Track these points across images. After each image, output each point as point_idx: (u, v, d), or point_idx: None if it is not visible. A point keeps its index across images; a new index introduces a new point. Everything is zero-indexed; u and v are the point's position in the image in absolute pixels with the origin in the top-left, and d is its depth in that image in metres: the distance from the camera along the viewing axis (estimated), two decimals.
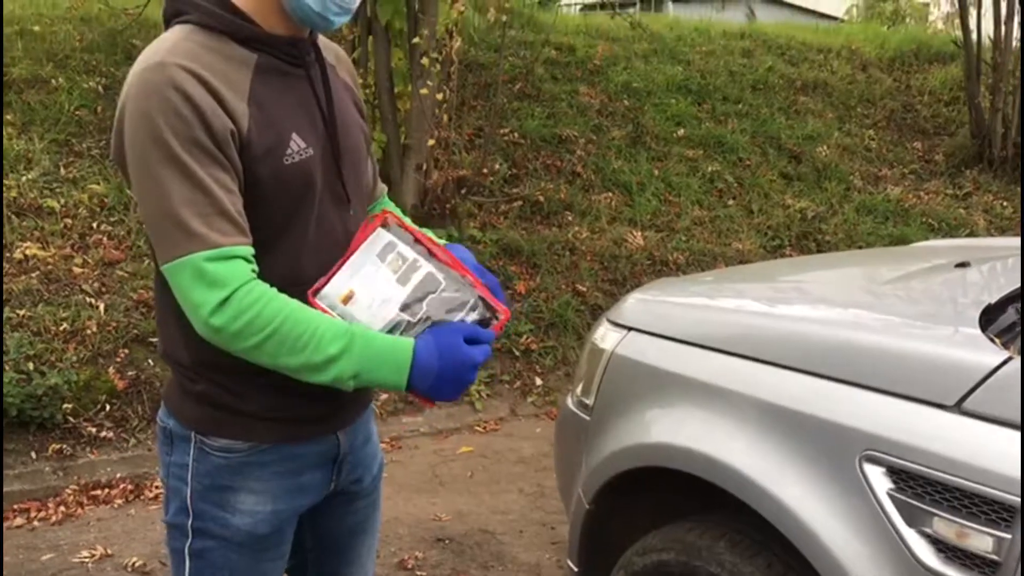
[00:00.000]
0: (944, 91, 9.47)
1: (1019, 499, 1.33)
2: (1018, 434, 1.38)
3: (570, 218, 6.54)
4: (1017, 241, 2.27)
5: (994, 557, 1.36)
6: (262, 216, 1.36)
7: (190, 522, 1.46)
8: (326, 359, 1.30)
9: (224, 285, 1.28)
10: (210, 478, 1.45)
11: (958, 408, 1.45)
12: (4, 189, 4.93)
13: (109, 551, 3.29)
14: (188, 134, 1.27)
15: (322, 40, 1.53)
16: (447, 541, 3.45)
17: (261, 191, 1.36)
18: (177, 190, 1.27)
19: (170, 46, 1.32)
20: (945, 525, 1.42)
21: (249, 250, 1.32)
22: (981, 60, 8.37)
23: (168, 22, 1.41)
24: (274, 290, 1.32)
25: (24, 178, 5.07)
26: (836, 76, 9.38)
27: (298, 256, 1.41)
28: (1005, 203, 7.92)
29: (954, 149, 8.56)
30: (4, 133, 5.29)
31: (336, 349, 1.30)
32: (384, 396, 4.71)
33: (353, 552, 1.69)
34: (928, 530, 1.44)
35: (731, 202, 7.25)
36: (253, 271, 1.32)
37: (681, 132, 7.79)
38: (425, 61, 5.66)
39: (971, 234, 7.27)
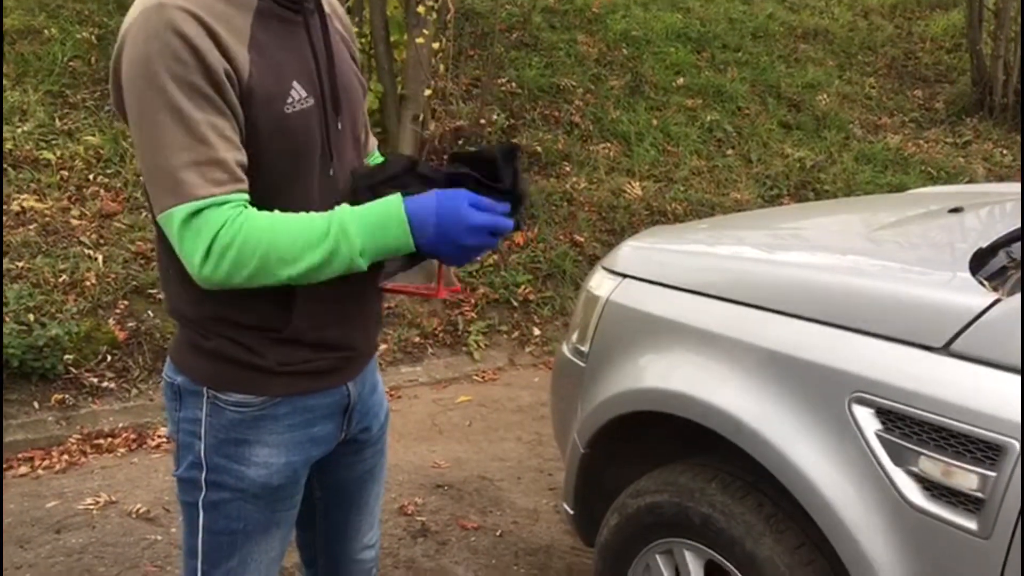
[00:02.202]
0: (946, 38, 9.38)
1: (1004, 438, 1.35)
2: (1005, 374, 1.40)
3: (568, 168, 6.52)
4: (1011, 187, 2.27)
5: (979, 494, 1.39)
6: (261, 172, 1.33)
7: (203, 476, 1.46)
8: (326, 254, 1.27)
9: (207, 233, 1.25)
10: (224, 432, 1.45)
11: (946, 350, 1.48)
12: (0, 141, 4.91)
13: (113, 498, 3.34)
14: (187, 79, 1.23)
15: None
16: (446, 487, 3.50)
17: (261, 144, 1.32)
18: (172, 138, 1.24)
19: None
20: (931, 464, 1.44)
21: (243, 197, 1.28)
22: (983, 6, 8.27)
23: None
24: (254, 213, 1.28)
25: (19, 130, 5.05)
26: (837, 23, 9.28)
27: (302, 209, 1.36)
28: (1005, 151, 7.89)
29: (955, 97, 8.50)
30: None
31: (330, 242, 1.27)
32: (384, 346, 4.74)
33: (362, 500, 1.71)
34: (915, 469, 1.47)
35: (730, 152, 7.22)
36: (238, 207, 1.27)
37: (680, 81, 7.73)
38: (421, 9, 5.60)
39: (970, 182, 7.25)
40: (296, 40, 1.40)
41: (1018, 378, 1.38)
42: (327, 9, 1.50)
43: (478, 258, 1.29)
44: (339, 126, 1.45)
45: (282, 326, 1.41)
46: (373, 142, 1.73)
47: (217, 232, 1.24)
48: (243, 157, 1.29)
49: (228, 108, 1.28)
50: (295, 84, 1.36)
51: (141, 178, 4.56)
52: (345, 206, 1.30)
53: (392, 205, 1.29)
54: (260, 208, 1.30)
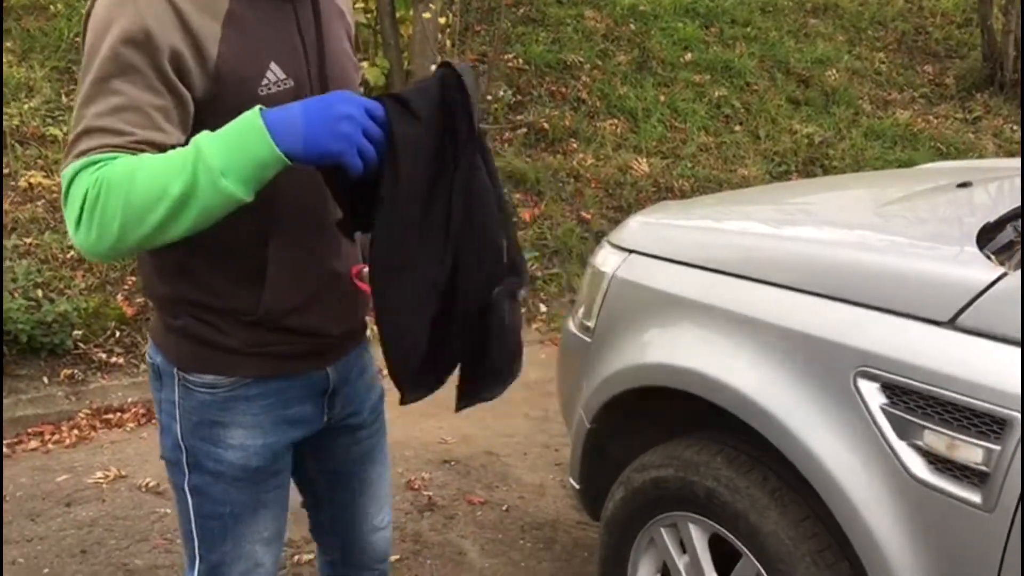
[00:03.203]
0: (956, 13, 9.29)
1: (1009, 411, 1.35)
2: (1011, 348, 1.40)
3: (575, 145, 6.50)
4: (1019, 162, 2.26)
5: (983, 468, 1.39)
6: None
7: (184, 458, 1.47)
8: (186, 185, 1.13)
9: (78, 197, 1.16)
10: (197, 414, 1.44)
11: (952, 324, 1.47)
12: (6, 118, 4.91)
13: (123, 472, 3.37)
14: (121, 53, 1.19)
15: None
16: (453, 463, 3.52)
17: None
18: (88, 103, 1.20)
19: None
20: (936, 438, 1.45)
21: (113, 155, 1.17)
22: None
23: None
24: (118, 160, 1.16)
25: (26, 106, 5.06)
26: None
27: (271, 201, 1.29)
28: (1015, 127, 7.83)
29: (965, 72, 8.43)
30: (4, 61, 5.25)
31: (187, 172, 1.13)
32: None
33: (364, 481, 1.69)
34: (919, 443, 1.47)
35: (737, 128, 7.19)
36: (108, 161, 1.17)
37: (688, 57, 7.68)
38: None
39: (980, 158, 7.21)
40: (282, 19, 1.35)
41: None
42: None
43: (347, 160, 1.18)
44: None
45: (252, 310, 1.38)
46: None
47: (85, 193, 1.15)
48: (161, 137, 1.21)
49: (167, 88, 1.22)
50: (272, 65, 1.31)
51: None
52: (205, 131, 1.18)
53: (248, 116, 1.16)
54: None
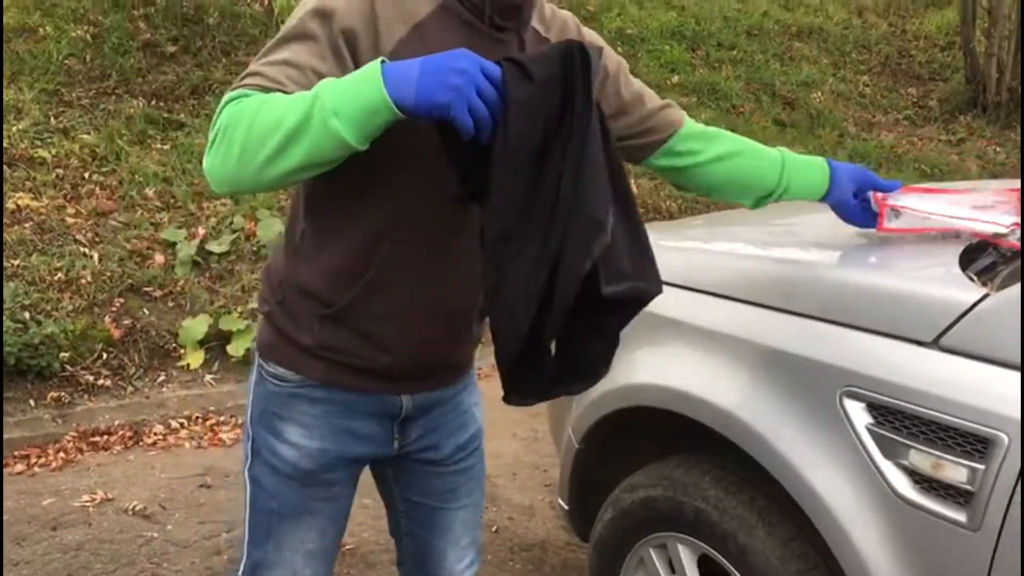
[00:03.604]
0: (940, 36, 9.42)
1: (993, 431, 1.37)
2: (994, 368, 1.41)
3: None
4: (1003, 184, 2.28)
5: (968, 487, 1.40)
6: (376, 151, 1.22)
7: (250, 444, 1.51)
8: (299, 117, 1.14)
9: (217, 124, 1.20)
10: (264, 403, 1.48)
11: (936, 344, 1.49)
12: None
13: (109, 495, 3.35)
14: (310, 24, 1.25)
15: (561, 20, 1.49)
16: None
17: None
18: (261, 56, 1.27)
19: None
20: (921, 457, 1.46)
21: (253, 92, 1.21)
22: (977, 4, 8.30)
23: None
24: (255, 95, 1.20)
25: (15, 128, 5.06)
26: (831, 21, 9.31)
27: (399, 204, 1.33)
28: (998, 148, 7.92)
29: (948, 95, 8.54)
30: None
31: (303, 107, 1.14)
32: None
33: (443, 523, 1.64)
34: (905, 462, 1.48)
35: None
36: (243, 96, 1.21)
37: (675, 79, 7.74)
38: None
39: (964, 179, 7.28)
40: (478, 46, 1.24)
41: (1007, 372, 1.40)
42: (539, 33, 1.44)
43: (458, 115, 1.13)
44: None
45: (337, 300, 1.38)
46: (668, 116, 1.68)
47: (221, 121, 1.19)
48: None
49: (334, 59, 1.26)
50: None
51: (152, 190, 4.46)
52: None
53: (370, 65, 1.16)
54: (359, 197, 1.32)
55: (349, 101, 1.13)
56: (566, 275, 1.20)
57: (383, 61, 1.15)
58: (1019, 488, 1.34)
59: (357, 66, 1.25)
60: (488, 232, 1.21)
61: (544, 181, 1.20)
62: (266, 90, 1.21)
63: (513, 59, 1.18)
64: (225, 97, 1.22)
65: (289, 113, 1.14)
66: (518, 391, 1.32)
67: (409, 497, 1.64)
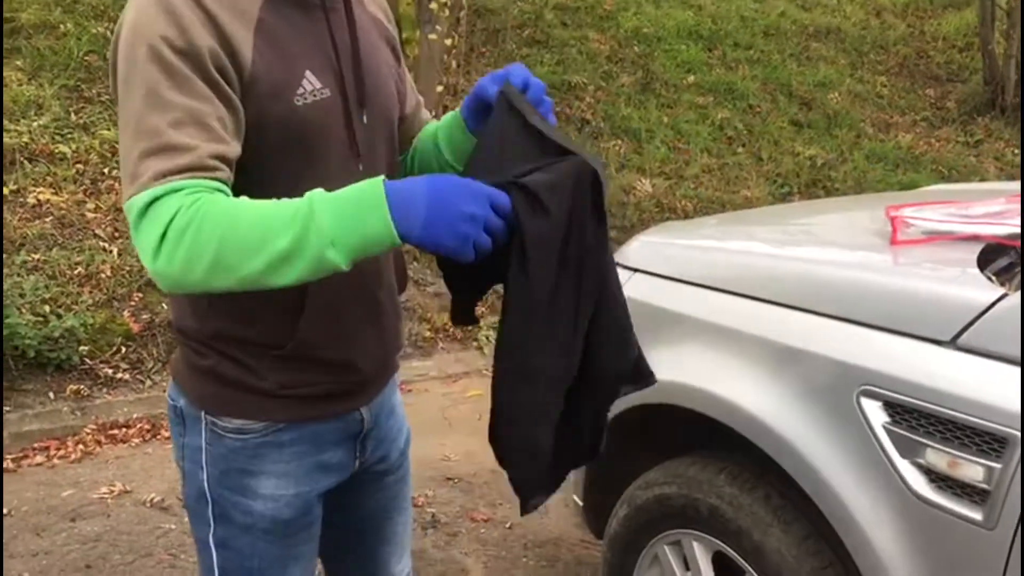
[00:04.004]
0: (958, 37, 9.36)
1: (1009, 430, 1.37)
2: (1011, 368, 1.42)
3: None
4: (1012, 186, 2.29)
5: (984, 486, 1.40)
6: (268, 169, 1.21)
7: (210, 509, 1.37)
8: (291, 243, 1.06)
9: (160, 222, 1.08)
10: (226, 462, 1.35)
11: (953, 344, 1.49)
12: (16, 135, 4.96)
13: (128, 487, 3.38)
14: (168, 60, 1.12)
15: None
16: (456, 480, 3.53)
17: (268, 138, 1.21)
18: (141, 122, 1.12)
19: None
20: (938, 456, 1.46)
21: (207, 184, 1.12)
22: (995, 6, 8.25)
23: None
24: (215, 197, 1.10)
25: (35, 124, 5.10)
26: (849, 21, 9.27)
27: None
28: (1016, 150, 7.87)
29: (966, 96, 8.50)
30: (14, 79, 5.30)
31: (295, 229, 1.06)
32: None
33: (388, 530, 1.61)
34: (921, 461, 1.49)
35: (740, 149, 7.23)
36: (197, 192, 1.10)
37: (691, 79, 7.74)
38: (434, 6, 5.63)
39: (981, 181, 7.24)
40: (314, 28, 1.29)
41: None
42: None
43: (467, 254, 1.10)
44: (364, 119, 1.33)
45: (285, 341, 1.29)
46: (424, 117, 1.60)
47: (171, 220, 1.08)
48: (225, 149, 1.15)
49: (217, 95, 1.15)
50: (308, 74, 1.25)
51: None
52: (320, 189, 1.11)
53: (370, 188, 1.09)
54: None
55: (350, 231, 1.07)
56: (593, 399, 1.32)
57: (384, 181, 1.09)
58: (1019, 484, 1.34)
59: (218, 92, 1.15)
60: (504, 368, 1.23)
61: (560, 311, 1.21)
62: (194, 170, 1.11)
63: (523, 187, 1.13)
64: (152, 189, 1.09)
65: (279, 233, 1.06)
66: (536, 500, 1.36)
67: (357, 517, 1.57)
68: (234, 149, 1.16)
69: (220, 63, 1.16)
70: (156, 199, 1.09)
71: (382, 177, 1.10)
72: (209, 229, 1.07)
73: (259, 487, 1.35)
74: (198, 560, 1.45)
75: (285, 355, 1.30)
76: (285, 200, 1.10)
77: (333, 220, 1.06)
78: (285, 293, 1.20)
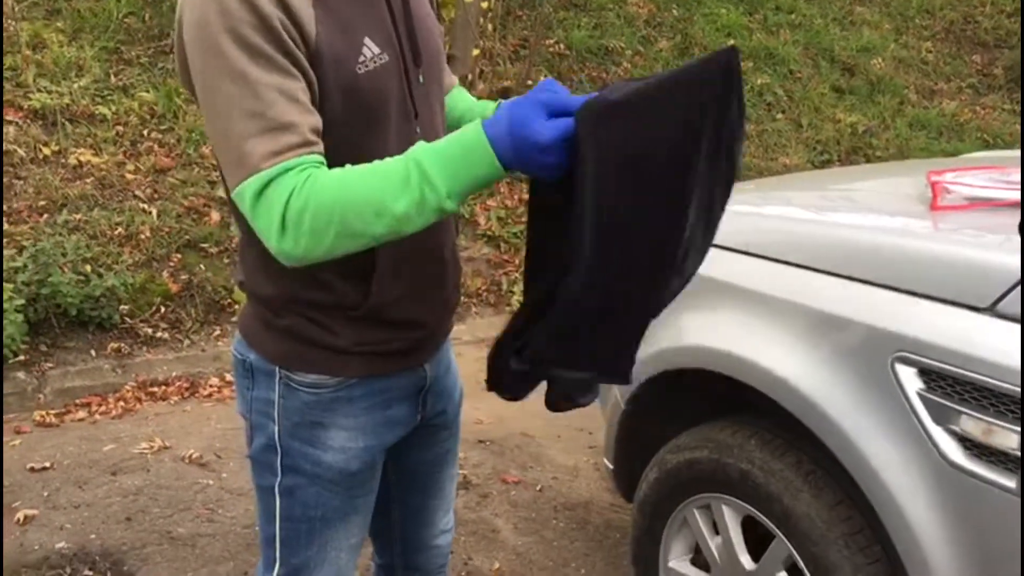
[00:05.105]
0: (1007, 2, 9.10)
1: None
2: None
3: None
4: None
5: (1019, 454, 1.39)
6: (332, 136, 1.22)
7: (279, 459, 1.41)
8: (411, 205, 1.13)
9: (278, 205, 1.14)
10: (299, 415, 1.39)
11: (992, 310, 1.48)
12: (57, 96, 5.02)
13: (167, 443, 3.46)
14: (248, 40, 1.13)
15: None
16: (488, 443, 3.56)
17: (332, 107, 1.22)
18: (237, 105, 1.14)
19: None
20: (973, 423, 1.45)
21: (312, 159, 1.16)
22: None
23: None
24: (322, 172, 1.16)
25: (76, 85, 5.15)
26: None
27: None
28: None
29: (1013, 62, 8.28)
30: (55, 40, 5.35)
31: (412, 193, 1.13)
32: None
33: (438, 483, 1.65)
34: (956, 428, 1.48)
35: (780, 116, 7.13)
36: (305, 171, 1.15)
37: (731, 43, 7.61)
38: None
39: None
40: None
41: None
42: None
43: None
44: (420, 79, 1.35)
45: (359, 303, 1.34)
46: (451, 80, 1.60)
47: (287, 201, 1.13)
48: (316, 120, 1.19)
49: (296, 68, 1.17)
50: (367, 40, 1.26)
51: (209, 148, 4.54)
52: (420, 143, 1.17)
53: (471, 134, 1.14)
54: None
55: (463, 181, 1.14)
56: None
57: (482, 123, 1.13)
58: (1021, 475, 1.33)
59: (298, 66, 1.17)
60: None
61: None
62: (300, 147, 1.15)
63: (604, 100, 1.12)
64: (264, 172, 1.14)
65: (395, 197, 1.12)
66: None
67: (410, 469, 1.61)
68: (318, 119, 1.19)
69: (292, 35, 1.17)
70: (269, 182, 1.14)
71: (480, 122, 1.14)
72: (328, 205, 1.13)
73: (329, 439, 1.40)
74: (259, 510, 1.49)
75: (359, 316, 1.34)
76: (389, 161, 1.15)
77: (446, 175, 1.13)
78: (356, 259, 1.25)
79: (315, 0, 1.20)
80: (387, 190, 1.13)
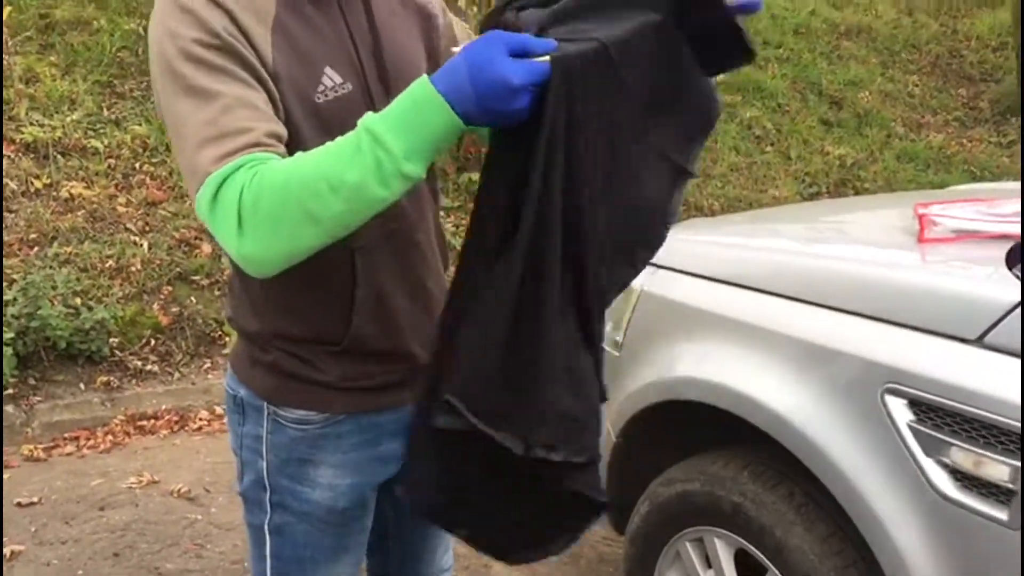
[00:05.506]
0: (992, 37, 9.24)
1: None
2: None
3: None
4: None
5: (1010, 485, 1.39)
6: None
7: (268, 496, 1.39)
8: (365, 171, 1.06)
9: (231, 203, 1.09)
10: (286, 451, 1.37)
11: (980, 342, 1.48)
12: (50, 129, 5.03)
13: (155, 478, 3.43)
14: (198, 55, 1.13)
15: None
16: None
17: (296, 127, 1.21)
18: (192, 119, 1.13)
19: None
20: (963, 455, 1.45)
21: (264, 155, 1.11)
22: None
23: None
24: (273, 162, 1.11)
25: (69, 119, 5.17)
26: (880, 20, 9.18)
27: None
28: None
29: (1000, 96, 8.38)
30: (48, 75, 5.38)
31: (365, 160, 1.06)
32: None
33: None
34: (946, 460, 1.48)
35: (769, 148, 7.19)
36: (255, 166, 1.10)
37: (719, 77, 7.65)
38: (462, 3, 5.64)
39: (1015, 182, 7.16)
40: (330, 23, 1.28)
41: None
42: None
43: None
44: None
45: (340, 337, 1.32)
46: None
47: (239, 198, 1.08)
48: (276, 127, 1.15)
49: (255, 79, 1.16)
50: (328, 70, 1.25)
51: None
52: (369, 113, 1.10)
53: (418, 89, 1.07)
54: None
55: (419, 138, 1.07)
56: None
57: (428, 77, 1.08)
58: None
59: (255, 76, 1.16)
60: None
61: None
62: (251, 147, 1.11)
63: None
64: (214, 175, 1.09)
65: (345, 168, 1.06)
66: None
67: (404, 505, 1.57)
68: (283, 129, 1.17)
69: (247, 49, 1.17)
70: (220, 184, 1.09)
71: (425, 76, 1.08)
72: (280, 190, 1.07)
73: (317, 476, 1.38)
74: (250, 547, 1.47)
75: (341, 350, 1.33)
76: (339, 138, 1.10)
77: (398, 135, 1.06)
78: (335, 290, 1.25)
79: (275, 26, 1.20)
80: (338, 162, 1.07)
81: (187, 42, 1.13)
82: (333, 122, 1.22)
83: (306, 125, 1.22)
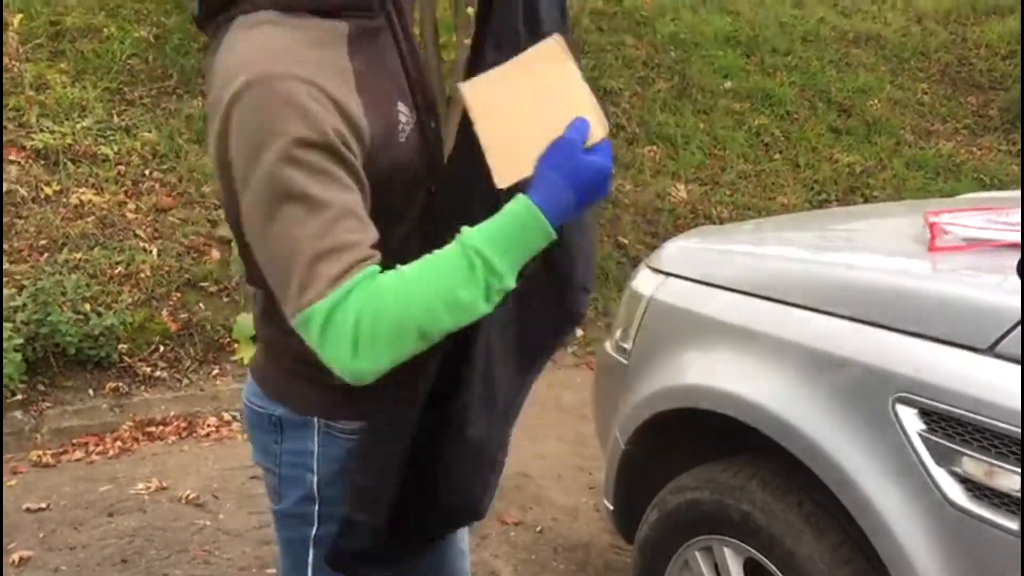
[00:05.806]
0: (1001, 44, 9.21)
1: None
2: None
3: (613, 171, 6.52)
4: None
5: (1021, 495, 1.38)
6: (381, 207, 1.18)
7: (316, 509, 1.36)
8: (475, 295, 1.11)
9: (347, 329, 1.09)
10: (339, 463, 1.34)
11: (991, 351, 1.48)
12: (60, 136, 5.06)
13: (164, 484, 3.43)
14: (310, 160, 1.08)
15: None
16: None
17: (381, 183, 1.18)
18: (300, 228, 1.09)
19: (265, 50, 1.11)
20: (974, 464, 1.44)
21: (371, 270, 1.11)
22: None
23: (215, 13, 1.19)
24: (386, 285, 1.11)
25: (79, 125, 5.19)
26: (890, 28, 9.16)
27: (403, 248, 1.20)
28: None
29: (1009, 104, 8.35)
30: (59, 81, 5.40)
31: (478, 284, 1.11)
32: None
33: (461, 544, 1.61)
34: (957, 469, 1.47)
35: (777, 156, 7.18)
36: (368, 287, 1.10)
37: (728, 85, 7.69)
38: (470, 11, 5.65)
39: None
40: (385, 51, 1.26)
41: None
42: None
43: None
44: (432, 124, 1.34)
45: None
46: None
47: (356, 324, 1.08)
48: (375, 234, 1.14)
49: (354, 180, 1.13)
50: (400, 106, 1.24)
51: (210, 187, 4.45)
52: (466, 229, 1.13)
53: (522, 210, 1.13)
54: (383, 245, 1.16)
55: (521, 257, 1.13)
56: None
57: (531, 197, 1.13)
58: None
59: (356, 178, 1.14)
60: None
61: None
62: (359, 263, 1.10)
63: None
64: (328, 298, 1.08)
65: (459, 288, 1.10)
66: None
67: None
68: (375, 232, 1.15)
69: (349, 144, 1.13)
70: (334, 308, 1.08)
71: (526, 197, 1.13)
72: (396, 318, 1.09)
73: None
74: (284, 563, 1.45)
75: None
76: (441, 254, 1.12)
77: (503, 258, 1.11)
78: None
79: (357, 86, 1.16)
80: (452, 283, 1.11)
81: (292, 143, 1.07)
82: (410, 159, 1.24)
83: (389, 171, 1.21)
